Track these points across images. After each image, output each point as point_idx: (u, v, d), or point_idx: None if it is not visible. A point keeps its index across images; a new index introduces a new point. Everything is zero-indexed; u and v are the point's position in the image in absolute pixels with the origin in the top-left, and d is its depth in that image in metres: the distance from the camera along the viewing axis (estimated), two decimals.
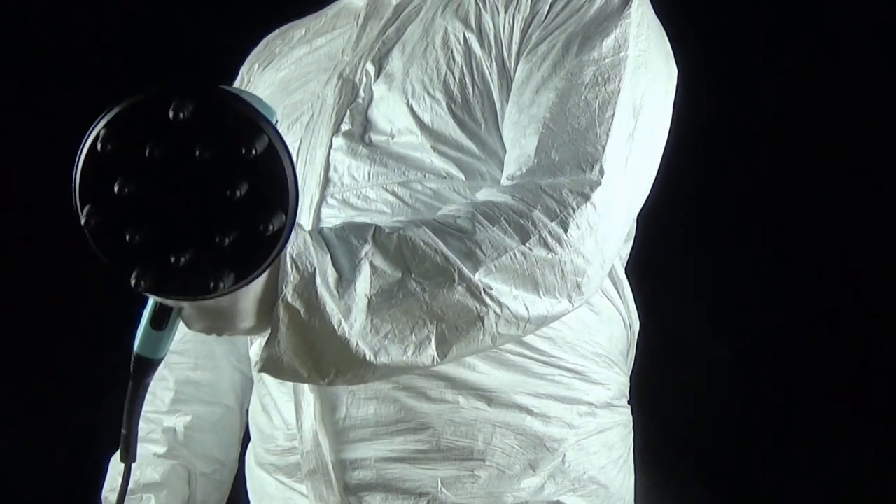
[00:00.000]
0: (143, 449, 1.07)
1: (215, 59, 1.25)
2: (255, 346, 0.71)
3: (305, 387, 0.89)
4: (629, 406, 1.02)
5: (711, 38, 1.44)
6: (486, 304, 0.73)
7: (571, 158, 0.80)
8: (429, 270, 0.71)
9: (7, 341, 1.63)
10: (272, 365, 0.70)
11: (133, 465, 1.05)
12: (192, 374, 1.09)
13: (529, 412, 0.89)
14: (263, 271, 0.61)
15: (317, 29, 1.08)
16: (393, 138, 0.91)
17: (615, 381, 0.98)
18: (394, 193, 0.89)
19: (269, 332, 0.68)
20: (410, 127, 0.90)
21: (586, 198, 0.78)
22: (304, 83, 1.02)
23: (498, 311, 0.74)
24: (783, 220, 1.51)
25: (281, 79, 1.06)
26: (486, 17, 0.91)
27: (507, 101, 0.88)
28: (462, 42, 0.91)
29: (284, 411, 0.94)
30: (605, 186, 0.79)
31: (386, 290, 0.70)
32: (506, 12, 0.90)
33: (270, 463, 0.96)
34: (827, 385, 1.47)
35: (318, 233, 0.72)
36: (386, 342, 0.70)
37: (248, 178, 0.58)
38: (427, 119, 0.90)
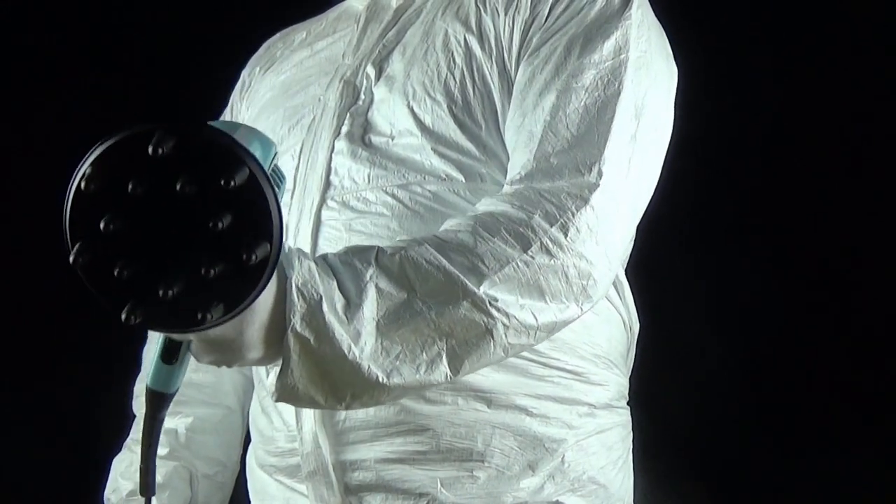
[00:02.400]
0: None
1: (216, 63, 1.25)
2: (271, 377, 0.71)
3: None
4: (628, 407, 1.03)
5: (711, 39, 1.44)
6: (492, 317, 0.73)
7: (570, 162, 0.80)
8: (433, 288, 0.72)
9: (7, 341, 1.64)
10: (288, 394, 0.70)
11: (135, 467, 1.07)
12: (193, 375, 1.09)
13: (529, 413, 0.89)
14: (252, 301, 0.62)
15: (318, 32, 1.09)
16: (393, 140, 0.91)
17: (614, 381, 0.98)
18: (393, 196, 0.89)
19: (280, 361, 0.69)
20: (411, 129, 0.90)
21: (585, 201, 0.78)
22: (305, 86, 1.02)
23: (506, 321, 0.74)
24: (783, 222, 1.51)
25: (282, 82, 1.06)
26: (487, 20, 0.92)
27: (508, 103, 0.88)
28: (463, 44, 0.92)
29: (284, 413, 0.94)
30: (603, 189, 0.79)
31: (393, 312, 0.71)
32: (506, 14, 0.91)
33: (271, 464, 0.97)
34: (826, 386, 1.47)
35: (323, 259, 0.72)
36: (397, 363, 0.71)
37: (230, 210, 0.58)
38: (428, 121, 0.90)
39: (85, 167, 0.58)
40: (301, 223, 0.93)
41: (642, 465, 1.05)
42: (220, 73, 1.21)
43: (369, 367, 0.69)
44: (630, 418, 1.03)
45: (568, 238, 0.77)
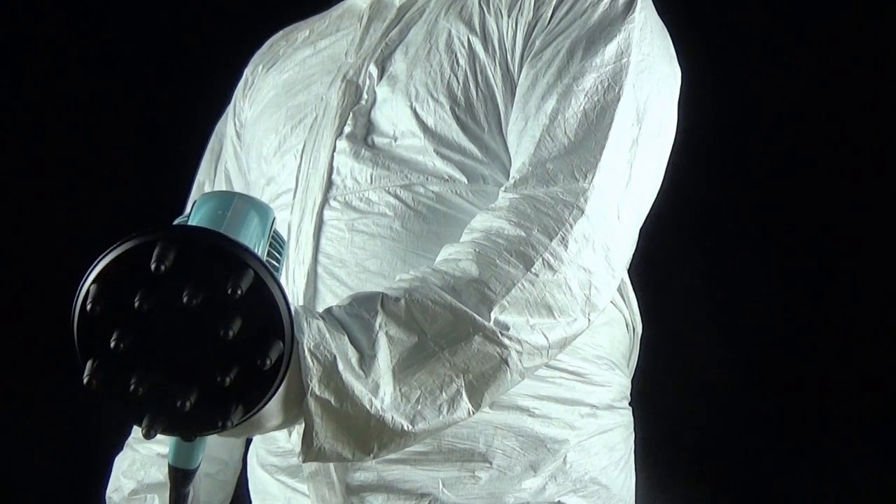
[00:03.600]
0: (146, 449, 1.07)
1: (219, 61, 1.25)
2: (294, 437, 0.71)
3: None
4: (630, 407, 1.03)
5: (714, 39, 1.44)
6: (505, 346, 0.73)
7: (565, 168, 0.80)
8: (443, 328, 0.71)
9: (7, 341, 1.64)
10: (315, 455, 0.69)
11: (137, 466, 1.07)
12: None
13: (531, 414, 0.89)
14: (271, 398, 0.61)
15: (320, 31, 1.08)
16: (395, 141, 0.91)
17: (617, 382, 0.98)
18: (396, 196, 0.89)
19: (302, 423, 0.68)
20: (413, 130, 0.90)
21: (581, 210, 0.78)
22: (308, 85, 1.02)
23: (519, 348, 0.73)
24: (786, 223, 1.51)
25: (285, 80, 1.06)
26: (490, 21, 0.91)
27: (511, 105, 0.88)
28: (466, 45, 0.91)
29: None
30: (597, 195, 0.79)
31: (407, 357, 0.70)
32: (509, 16, 0.90)
33: (272, 464, 0.96)
34: (828, 386, 1.47)
35: (329, 314, 0.71)
36: (419, 407, 0.70)
37: (239, 315, 0.58)
38: (430, 122, 0.90)
39: (87, 285, 0.58)
40: (303, 223, 0.93)
41: (643, 466, 1.05)
42: (222, 70, 1.21)
43: (393, 417, 0.69)
44: (632, 419, 1.02)
45: (568, 251, 0.76)
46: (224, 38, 1.40)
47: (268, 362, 0.58)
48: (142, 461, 1.07)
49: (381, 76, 0.95)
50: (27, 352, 1.63)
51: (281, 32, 1.16)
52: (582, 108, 0.83)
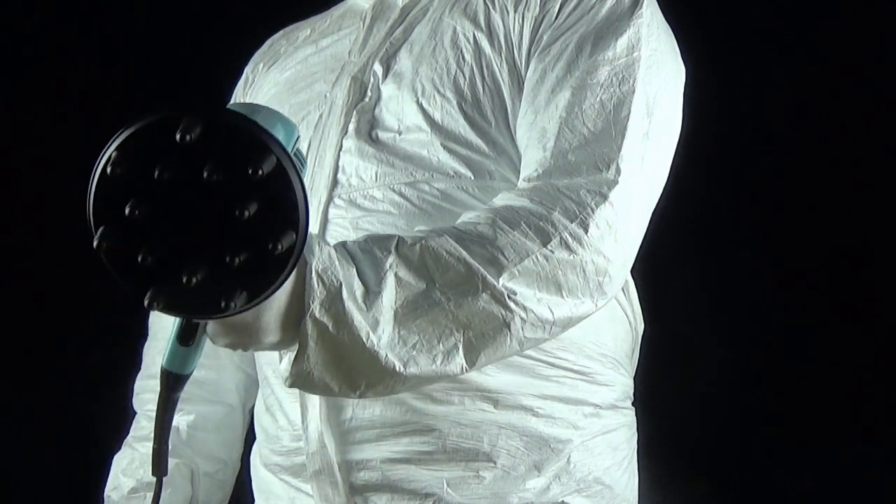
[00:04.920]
0: (145, 448, 1.07)
1: (219, 60, 1.25)
2: (284, 362, 0.71)
3: None
4: (633, 407, 1.03)
5: (717, 39, 1.44)
6: (510, 310, 0.73)
7: (588, 159, 0.80)
8: (453, 279, 0.72)
9: (6, 341, 1.63)
10: (302, 380, 0.70)
11: (136, 465, 1.07)
12: (195, 373, 1.08)
13: (535, 413, 0.89)
14: (276, 289, 0.62)
15: (322, 30, 1.08)
16: (400, 135, 0.91)
17: (620, 382, 0.98)
18: (401, 194, 0.89)
19: (296, 347, 0.69)
20: (420, 124, 0.90)
21: (604, 197, 0.78)
22: (311, 83, 1.02)
23: (523, 315, 0.74)
24: (787, 224, 1.51)
25: (286, 78, 1.06)
26: (496, 17, 0.92)
27: (518, 100, 0.88)
28: (472, 41, 0.92)
29: (290, 412, 0.94)
30: (622, 186, 0.79)
31: (412, 302, 0.71)
32: (515, 11, 0.91)
33: (275, 463, 0.96)
34: (828, 387, 1.47)
35: (342, 246, 0.72)
36: (414, 353, 0.71)
37: (257, 199, 0.58)
38: (437, 116, 0.90)
39: (111, 151, 0.58)
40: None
41: (646, 467, 1.05)
42: (222, 70, 1.21)
43: (387, 355, 0.69)
44: (634, 419, 1.03)
45: (588, 234, 0.77)
46: (224, 38, 1.40)
47: (279, 248, 0.59)
48: (141, 459, 1.06)
49: (385, 74, 0.95)
50: (27, 352, 1.63)
51: (281, 31, 1.16)
52: (599, 99, 0.83)
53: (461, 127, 0.89)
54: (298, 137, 0.68)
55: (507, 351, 0.75)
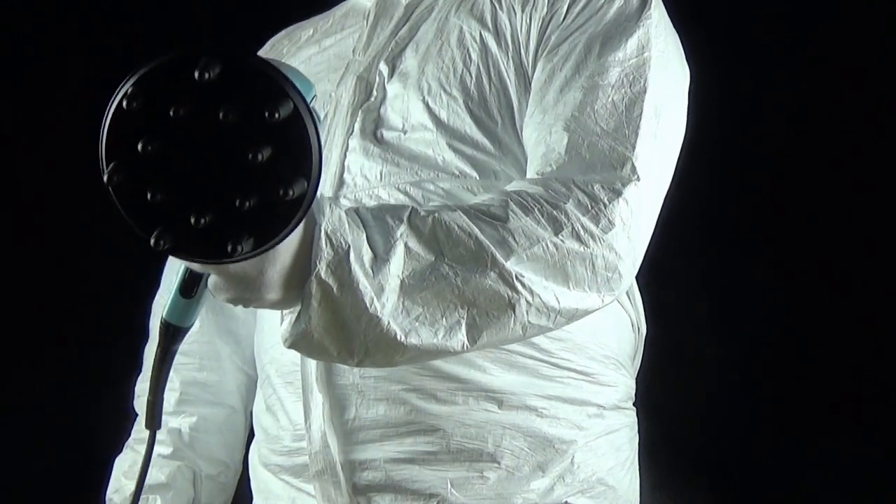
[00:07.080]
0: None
1: None
2: (285, 324, 0.70)
3: (314, 387, 0.89)
4: (634, 408, 1.03)
5: (720, 40, 1.44)
6: (517, 292, 0.73)
7: (602, 157, 0.80)
8: (462, 255, 0.71)
9: (6, 341, 1.63)
10: (302, 341, 0.69)
11: (137, 467, 1.06)
12: (197, 374, 1.09)
13: (539, 414, 0.89)
14: (284, 237, 0.61)
15: (325, 29, 1.08)
16: (405, 134, 0.91)
17: (623, 383, 0.98)
18: (406, 193, 0.89)
19: (298, 307, 0.68)
20: (425, 123, 0.90)
21: (618, 194, 0.78)
22: (315, 83, 1.01)
23: (529, 299, 0.73)
24: (789, 227, 1.51)
25: None
26: (503, 17, 0.92)
27: (524, 100, 0.88)
28: (478, 41, 0.92)
29: (291, 412, 0.93)
30: (636, 184, 0.79)
31: (419, 273, 0.70)
32: (523, 12, 0.91)
33: (276, 463, 0.96)
34: (829, 388, 1.47)
35: (354, 211, 0.71)
36: (416, 324, 0.70)
37: (270, 143, 0.58)
38: (443, 116, 0.90)
39: (128, 86, 0.57)
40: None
41: (647, 467, 1.05)
42: None
43: (389, 322, 0.69)
44: (636, 419, 1.03)
45: (600, 228, 0.76)
46: (224, 38, 1.40)
47: (290, 194, 0.58)
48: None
49: (391, 74, 0.95)
50: (27, 352, 1.63)
51: (283, 31, 1.16)
52: (611, 99, 0.83)
53: (467, 126, 0.89)
54: (315, 97, 0.67)
55: (510, 334, 0.74)
